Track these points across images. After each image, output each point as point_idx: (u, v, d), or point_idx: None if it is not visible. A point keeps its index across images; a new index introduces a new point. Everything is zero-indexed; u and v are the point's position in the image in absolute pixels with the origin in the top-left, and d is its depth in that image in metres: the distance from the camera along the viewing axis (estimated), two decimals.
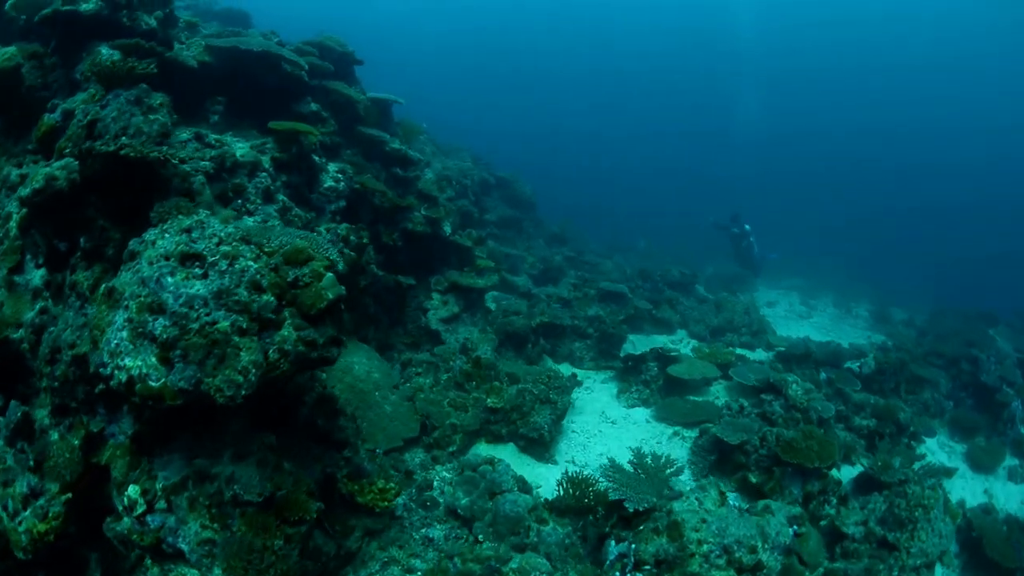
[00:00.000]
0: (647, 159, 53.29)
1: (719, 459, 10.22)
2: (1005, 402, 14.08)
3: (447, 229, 12.36)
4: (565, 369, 13.12)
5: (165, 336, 4.99)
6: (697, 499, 7.46)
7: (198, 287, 5.08)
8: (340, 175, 10.82)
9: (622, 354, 12.93)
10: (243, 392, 4.95)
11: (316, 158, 10.65)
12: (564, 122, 62.05)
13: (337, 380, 9.70)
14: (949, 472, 12.09)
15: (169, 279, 5.11)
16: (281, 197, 9.66)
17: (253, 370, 4.98)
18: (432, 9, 70.89)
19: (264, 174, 9.57)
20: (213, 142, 9.36)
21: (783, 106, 58.62)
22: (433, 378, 10.33)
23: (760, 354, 15.82)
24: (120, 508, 5.97)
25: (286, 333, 5.31)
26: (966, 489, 12.10)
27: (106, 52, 8.79)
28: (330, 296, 5.68)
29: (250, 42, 10.80)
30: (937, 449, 13.10)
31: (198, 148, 9.02)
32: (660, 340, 15.80)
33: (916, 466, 10.78)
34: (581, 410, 11.74)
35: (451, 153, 21.00)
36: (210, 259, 5.24)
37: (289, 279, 5.58)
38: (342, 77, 12.62)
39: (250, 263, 5.33)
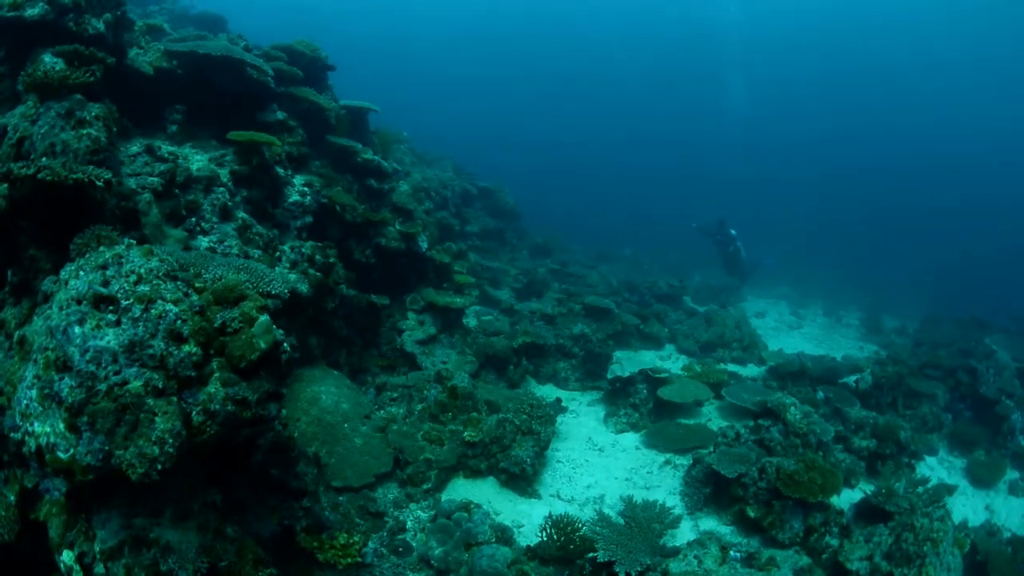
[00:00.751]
0: (632, 166, 52.73)
1: (714, 491, 9.45)
2: (1005, 415, 13.36)
3: (423, 244, 11.56)
4: (549, 391, 12.36)
5: (72, 399, 4.15)
6: (696, 557, 6.65)
7: (109, 338, 4.23)
8: (307, 188, 10.02)
9: (609, 374, 12.14)
10: (159, 466, 4.11)
11: (280, 170, 9.86)
12: (549, 130, 61.36)
13: (303, 412, 8.91)
14: (950, 490, 11.37)
15: (77, 329, 4.26)
16: (241, 214, 8.86)
17: (170, 440, 4.13)
18: (418, 16, 69.93)
19: (222, 189, 8.78)
20: (166, 155, 8.55)
21: (771, 111, 58.07)
22: (407, 408, 9.51)
23: (752, 369, 15.12)
24: (62, 570, 5.16)
25: (212, 390, 4.47)
26: (967, 506, 11.45)
27: (48, 60, 7.93)
28: (263, 345, 4.82)
29: (210, 46, 9.95)
30: (937, 465, 12.45)
31: (148, 162, 8.21)
32: (648, 356, 15.05)
33: (920, 490, 10.07)
34: (566, 436, 10.97)
35: (433, 163, 20.22)
36: (124, 303, 4.37)
37: (216, 324, 4.72)
38: (313, 83, 11.80)
39: (169, 307, 4.46)
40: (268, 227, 9.39)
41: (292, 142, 10.58)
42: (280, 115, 10.67)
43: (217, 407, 4.45)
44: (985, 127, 56.62)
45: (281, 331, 5.03)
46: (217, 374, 4.54)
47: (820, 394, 12.52)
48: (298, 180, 10.12)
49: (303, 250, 9.28)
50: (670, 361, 14.97)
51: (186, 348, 4.44)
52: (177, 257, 5.33)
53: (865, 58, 59.69)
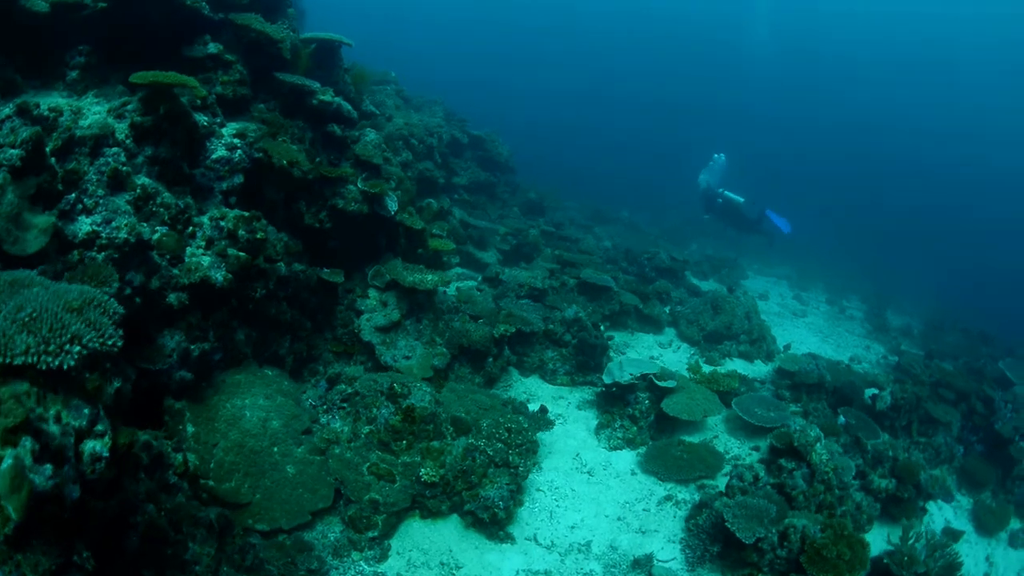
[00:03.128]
0: (636, 127, 49.37)
1: (723, 549, 7.30)
2: (1018, 458, 11.60)
3: (391, 206, 9.04)
4: (534, 385, 10.08)
5: None
6: None
7: None
8: (237, 140, 7.52)
9: (604, 371, 9.86)
10: None
11: (203, 118, 7.34)
12: (549, 80, 57.70)
13: (220, 436, 6.63)
14: (956, 536, 9.71)
15: None
16: (141, 180, 6.44)
17: None
18: None
19: (116, 150, 6.39)
20: (45, 113, 6.10)
21: (784, 89, 54.24)
22: (351, 427, 7.18)
23: (760, 367, 12.95)
24: None
25: None
26: (969, 555, 9.63)
27: None
28: (14, 515, 2.45)
29: None
30: (945, 504, 10.60)
31: (13, 128, 5.73)
32: (647, 341, 12.82)
33: (936, 555, 8.15)
34: (551, 450, 8.73)
35: (422, 107, 17.51)
36: None
37: None
38: (267, 10, 9.16)
39: None
40: (181, 194, 6.95)
41: (227, 81, 8.04)
42: (212, 48, 8.09)
43: None
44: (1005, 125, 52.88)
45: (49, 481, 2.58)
46: None
47: (841, 419, 10.60)
48: (229, 130, 7.62)
49: (223, 224, 6.86)
50: (670, 349, 12.73)
51: None
52: None
53: (900, 46, 55.56)
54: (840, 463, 8.73)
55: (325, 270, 8.53)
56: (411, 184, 10.90)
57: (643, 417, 9.15)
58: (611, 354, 11.12)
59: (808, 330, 17.13)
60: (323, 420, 7.80)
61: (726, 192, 17.52)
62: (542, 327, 10.20)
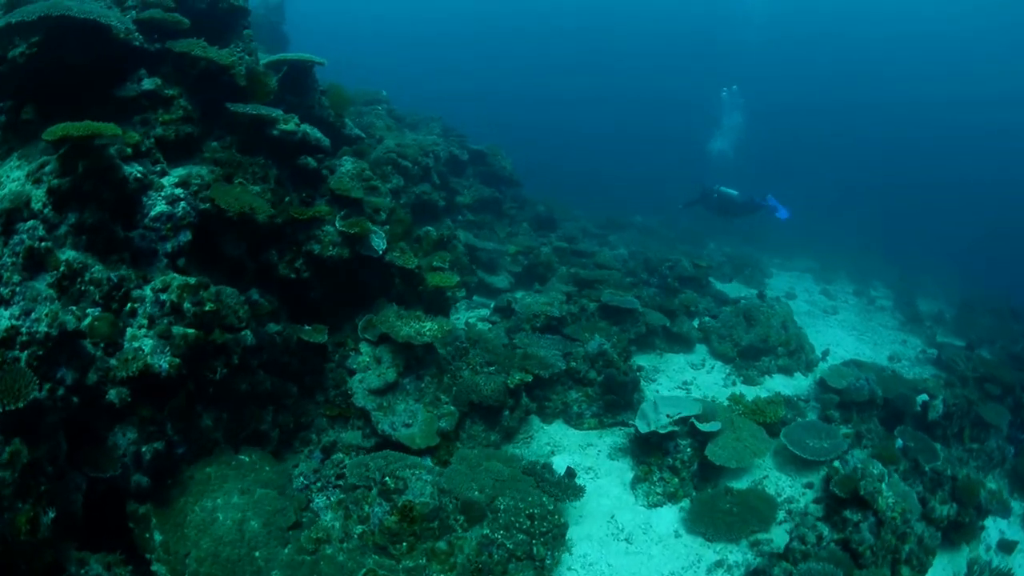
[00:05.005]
0: (640, 126, 47.47)
1: None
2: None
3: (378, 244, 7.54)
4: (558, 432, 8.61)
5: None
6: None
7: None
8: (180, 190, 6.10)
9: (638, 410, 8.38)
10: None
11: (136, 169, 5.95)
12: (547, 88, 55.83)
13: (192, 545, 5.25)
14: (1010, 547, 8.64)
15: None
16: (67, 255, 5.13)
17: None
18: None
19: (33, 222, 5.06)
20: None
21: (785, 77, 51.77)
22: (342, 523, 5.75)
23: (800, 380, 11.47)
24: None
25: None
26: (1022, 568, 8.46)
27: None
28: None
29: (32, 9, 5.93)
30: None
31: None
32: (678, 362, 11.32)
33: None
34: (581, 512, 7.28)
35: (418, 125, 16.07)
36: None
37: None
38: (216, 34, 7.74)
39: None
40: (116, 264, 5.59)
41: (168, 120, 6.62)
42: (148, 84, 6.68)
43: None
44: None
45: None
46: None
47: (899, 441, 9.25)
48: (170, 179, 6.21)
49: (164, 297, 5.47)
50: (704, 370, 11.22)
51: None
52: None
53: (907, 22, 52.89)
54: (908, 505, 7.42)
55: (306, 328, 7.12)
56: (405, 213, 9.47)
57: (685, 467, 7.67)
58: (641, 383, 9.64)
59: (842, 328, 15.60)
60: (317, 502, 6.45)
61: (721, 188, 16.21)
62: (563, 366, 8.72)
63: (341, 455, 7.11)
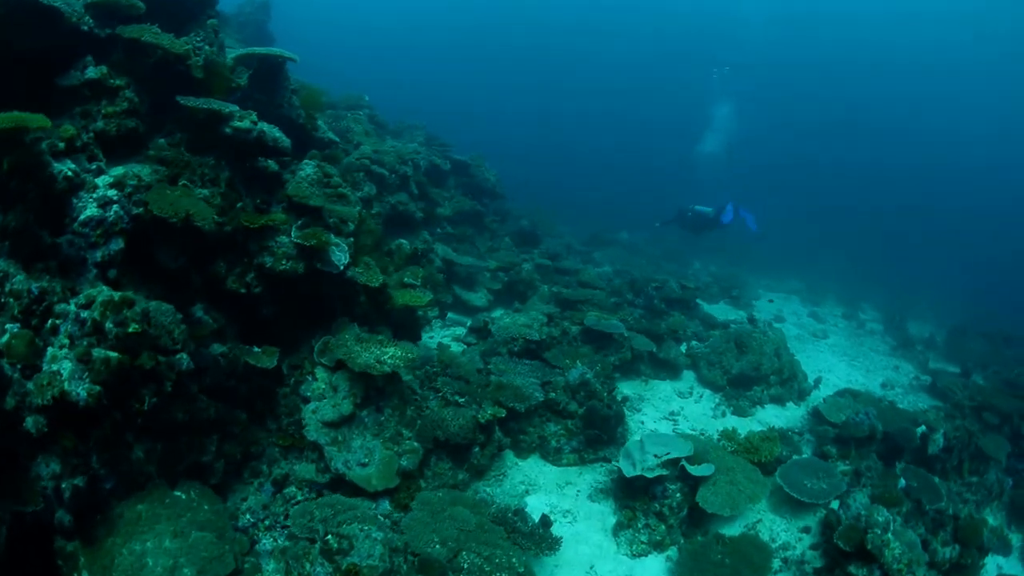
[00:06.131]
0: (626, 143, 46.63)
1: None
2: None
3: (339, 259, 6.60)
4: (533, 467, 7.71)
5: None
6: None
7: None
8: (114, 192, 5.23)
9: (622, 449, 7.54)
10: None
11: (68, 167, 5.09)
12: (534, 103, 54.79)
13: None
14: None
15: None
16: None
17: None
18: None
19: None
20: None
21: (776, 98, 51.00)
22: None
23: (792, 409, 10.73)
24: None
25: None
26: None
27: None
28: None
29: None
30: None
31: None
32: (664, 390, 10.48)
33: None
34: (558, 562, 6.39)
35: (402, 133, 15.19)
36: None
37: None
38: (177, 19, 6.87)
39: None
40: (40, 274, 4.73)
41: (111, 113, 5.76)
42: (92, 72, 5.83)
43: None
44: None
45: None
46: None
47: (902, 481, 8.50)
48: (105, 179, 5.33)
49: (85, 315, 4.59)
50: (691, 399, 10.39)
51: None
52: None
53: (899, 50, 52.21)
54: (914, 555, 6.62)
55: (255, 350, 6.21)
56: (376, 223, 8.59)
57: (674, 514, 6.80)
58: (625, 415, 8.77)
59: (832, 353, 14.87)
60: (263, 543, 5.62)
61: (695, 207, 15.64)
62: (541, 397, 7.84)
63: (294, 489, 6.26)
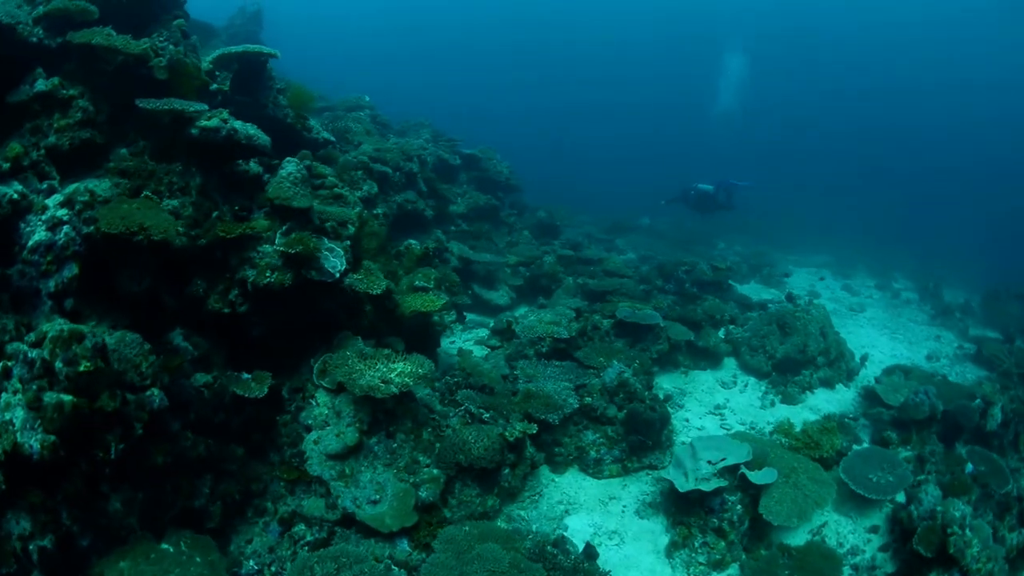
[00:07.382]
0: (640, 130, 45.25)
1: None
2: None
3: (334, 265, 5.64)
4: (571, 483, 6.74)
5: None
6: None
7: None
8: (65, 211, 4.38)
9: (673, 457, 6.58)
10: None
11: (12, 189, 4.30)
12: (542, 95, 53.57)
13: None
14: None
15: None
16: None
17: None
18: None
19: None
20: None
21: (777, 73, 49.32)
22: None
23: (843, 392, 9.74)
24: None
25: None
26: None
27: None
28: None
29: None
30: None
31: None
32: (706, 381, 9.49)
33: None
34: None
35: (407, 131, 14.24)
36: None
37: None
38: (136, 20, 5.99)
39: None
40: None
41: (64, 126, 4.94)
42: (42, 85, 5.08)
43: None
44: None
45: None
46: None
47: (969, 466, 7.55)
48: (56, 199, 4.50)
49: (33, 354, 3.76)
50: (736, 389, 9.38)
51: None
52: None
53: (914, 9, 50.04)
54: (992, 552, 5.71)
55: (244, 376, 5.31)
56: (380, 224, 7.66)
57: (734, 528, 5.81)
58: (671, 414, 7.77)
59: (872, 327, 13.74)
60: None
61: (698, 185, 14.68)
62: (575, 404, 6.87)
63: (303, 527, 5.38)
